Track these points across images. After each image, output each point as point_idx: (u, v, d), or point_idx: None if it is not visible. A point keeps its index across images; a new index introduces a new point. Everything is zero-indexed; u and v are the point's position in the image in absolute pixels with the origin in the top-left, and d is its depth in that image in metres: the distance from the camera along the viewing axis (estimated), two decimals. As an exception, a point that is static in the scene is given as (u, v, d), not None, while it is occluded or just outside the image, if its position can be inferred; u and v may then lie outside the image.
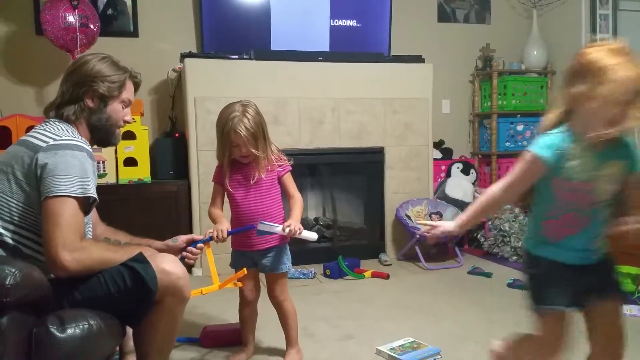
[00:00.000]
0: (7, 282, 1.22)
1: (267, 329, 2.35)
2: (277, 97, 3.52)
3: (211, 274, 1.95)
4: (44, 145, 1.49)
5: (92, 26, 3.32)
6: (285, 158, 2.08)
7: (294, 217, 1.97)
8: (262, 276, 2.12)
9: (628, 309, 2.56)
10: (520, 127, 4.42)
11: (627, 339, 1.43)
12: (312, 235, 1.99)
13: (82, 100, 1.63)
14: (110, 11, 3.68)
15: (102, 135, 1.70)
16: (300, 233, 1.93)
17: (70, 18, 3.22)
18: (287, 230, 1.90)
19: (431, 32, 4.44)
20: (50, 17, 3.22)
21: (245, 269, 1.93)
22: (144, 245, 1.71)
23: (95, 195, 1.52)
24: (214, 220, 2.03)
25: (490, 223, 3.91)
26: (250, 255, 2.05)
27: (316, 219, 4.01)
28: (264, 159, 1.99)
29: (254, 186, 2.00)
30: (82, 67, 1.64)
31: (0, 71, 3.55)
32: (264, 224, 1.92)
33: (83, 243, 1.47)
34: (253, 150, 1.94)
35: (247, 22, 3.78)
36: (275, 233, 1.95)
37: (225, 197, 2.08)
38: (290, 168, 2.08)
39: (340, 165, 3.84)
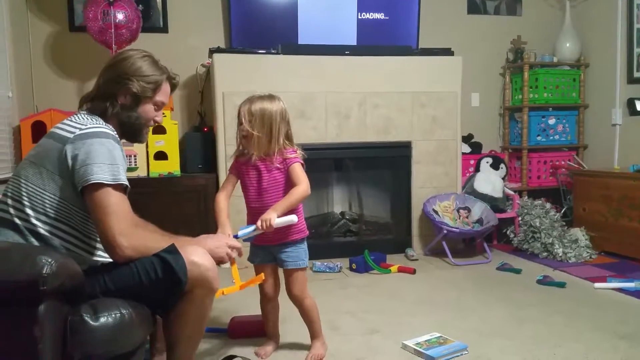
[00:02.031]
0: (44, 272, 1.26)
1: (292, 322, 2.37)
2: (304, 92, 3.53)
3: (235, 273, 1.96)
4: (71, 136, 1.52)
5: (134, 23, 3.38)
6: (294, 151, 2.01)
7: (272, 208, 1.91)
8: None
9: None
10: (552, 121, 4.33)
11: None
12: (290, 219, 1.91)
13: (115, 96, 1.65)
14: (140, 7, 3.74)
15: (129, 132, 1.71)
16: (271, 225, 1.86)
17: (110, 14, 3.27)
18: (260, 225, 1.86)
19: (461, 24, 4.38)
20: (91, 14, 3.28)
21: (263, 274, 1.95)
22: (183, 237, 1.74)
23: (127, 182, 1.54)
24: (217, 215, 1.98)
25: (520, 219, 3.85)
26: (269, 249, 2.05)
27: (342, 213, 4.02)
28: (265, 147, 1.96)
29: (263, 183, 1.99)
30: (121, 63, 1.65)
31: (36, 68, 3.65)
32: (241, 230, 1.89)
33: (137, 229, 1.53)
34: (247, 128, 1.94)
35: (275, 17, 3.80)
36: (255, 234, 1.90)
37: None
38: (297, 160, 1.99)
39: (366, 159, 3.84)
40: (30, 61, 3.63)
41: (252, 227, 1.89)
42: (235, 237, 1.86)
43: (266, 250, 2.05)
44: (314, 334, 2.12)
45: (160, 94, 1.71)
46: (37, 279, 1.25)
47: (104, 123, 1.60)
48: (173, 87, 1.78)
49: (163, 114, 1.82)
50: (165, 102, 1.75)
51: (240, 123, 1.98)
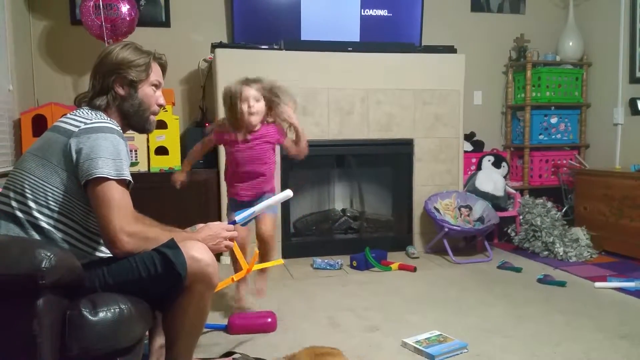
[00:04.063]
0: (42, 265, 1.25)
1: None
2: (307, 88, 3.52)
3: (239, 257, 1.99)
4: (76, 130, 1.52)
5: (129, 15, 3.35)
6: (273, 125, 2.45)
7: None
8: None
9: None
10: (554, 120, 4.32)
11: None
12: (284, 194, 1.98)
13: (113, 89, 1.65)
14: (142, 1, 3.73)
15: (135, 122, 1.71)
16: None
17: (101, 8, 3.26)
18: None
19: (464, 22, 4.36)
20: (85, 9, 3.28)
21: (281, 260, 2.43)
22: (182, 231, 1.74)
23: (130, 178, 1.55)
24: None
25: (521, 218, 3.85)
26: (248, 204, 2.32)
27: (343, 210, 4.01)
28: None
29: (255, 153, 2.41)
30: (106, 58, 1.66)
31: (37, 61, 3.65)
32: (237, 215, 1.89)
33: (138, 224, 1.53)
34: (257, 106, 2.36)
35: (278, 12, 3.78)
36: (253, 217, 1.97)
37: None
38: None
39: (368, 156, 3.83)
40: (31, 54, 3.62)
41: (250, 211, 1.89)
42: (233, 223, 1.84)
43: (245, 205, 2.28)
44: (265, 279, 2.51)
45: (154, 74, 1.72)
46: (35, 272, 1.25)
47: (108, 118, 1.61)
48: (162, 67, 1.78)
49: (165, 108, 1.81)
50: (161, 81, 1.76)
51: (248, 105, 2.33)
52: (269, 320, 2.33)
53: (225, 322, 2.34)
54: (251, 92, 2.33)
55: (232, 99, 2.32)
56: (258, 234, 2.44)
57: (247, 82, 2.36)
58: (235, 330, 2.29)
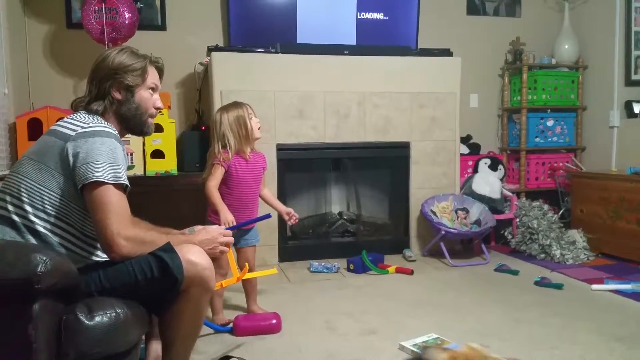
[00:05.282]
0: (38, 270, 1.25)
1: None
2: (303, 91, 3.52)
3: (232, 264, 1.99)
4: (73, 133, 1.52)
5: (129, 19, 3.35)
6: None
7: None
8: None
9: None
10: (550, 123, 4.33)
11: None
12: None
13: (109, 94, 1.66)
14: (138, 5, 3.72)
15: (133, 125, 1.72)
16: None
17: (103, 12, 3.26)
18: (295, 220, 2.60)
19: (460, 25, 4.38)
20: (85, 13, 3.28)
21: (275, 269, 2.40)
22: (178, 234, 1.73)
23: (127, 182, 1.54)
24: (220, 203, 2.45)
25: (518, 220, 3.85)
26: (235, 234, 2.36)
27: (340, 214, 4.00)
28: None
29: (259, 173, 2.54)
30: (103, 63, 1.67)
31: (32, 64, 3.64)
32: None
33: (135, 228, 1.53)
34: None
35: (274, 16, 3.78)
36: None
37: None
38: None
39: (365, 159, 3.83)
40: (26, 58, 3.61)
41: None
42: (231, 228, 1.86)
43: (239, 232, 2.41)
44: (256, 300, 2.55)
45: (150, 77, 1.73)
46: (31, 277, 1.24)
47: (105, 122, 1.61)
48: (159, 70, 1.79)
49: (160, 111, 1.82)
50: (158, 84, 1.77)
51: (253, 116, 2.47)
52: (274, 321, 2.33)
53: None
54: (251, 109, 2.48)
55: (242, 119, 2.43)
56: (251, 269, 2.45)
57: (240, 102, 2.50)
58: (240, 332, 2.29)
